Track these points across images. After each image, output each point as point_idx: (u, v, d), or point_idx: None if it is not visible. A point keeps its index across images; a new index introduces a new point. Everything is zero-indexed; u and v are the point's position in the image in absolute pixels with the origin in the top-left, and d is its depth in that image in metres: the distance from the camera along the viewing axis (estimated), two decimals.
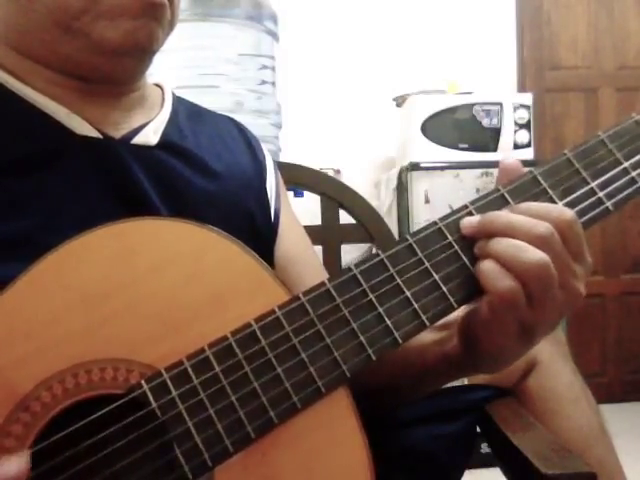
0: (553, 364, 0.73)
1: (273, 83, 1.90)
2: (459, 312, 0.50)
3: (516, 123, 2.25)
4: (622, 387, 2.76)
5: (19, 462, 0.39)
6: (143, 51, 0.57)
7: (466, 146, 2.24)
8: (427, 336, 0.57)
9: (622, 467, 0.72)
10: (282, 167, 0.78)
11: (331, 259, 1.00)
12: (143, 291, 0.45)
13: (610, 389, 2.70)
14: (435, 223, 0.48)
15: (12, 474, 0.38)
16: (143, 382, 0.43)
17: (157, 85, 0.70)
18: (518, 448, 0.58)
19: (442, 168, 2.18)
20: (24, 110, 0.55)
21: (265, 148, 0.75)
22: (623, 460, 0.72)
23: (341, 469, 0.44)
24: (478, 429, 0.73)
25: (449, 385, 0.71)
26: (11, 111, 0.56)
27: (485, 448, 1.61)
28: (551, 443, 0.59)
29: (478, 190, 2.09)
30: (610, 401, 2.55)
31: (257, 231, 0.66)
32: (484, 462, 1.15)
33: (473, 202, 0.49)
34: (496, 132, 2.24)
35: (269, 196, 0.70)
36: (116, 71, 0.58)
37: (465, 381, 0.74)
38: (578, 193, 0.49)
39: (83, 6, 0.52)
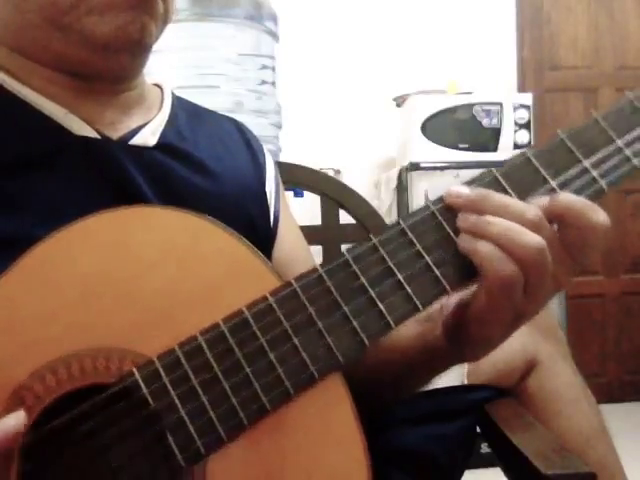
0: (553, 364, 0.73)
1: (273, 83, 1.90)
2: (441, 303, 0.50)
3: (516, 123, 2.25)
4: (622, 387, 2.76)
5: (17, 417, 0.39)
6: (136, 45, 0.56)
7: (466, 146, 2.24)
8: (410, 329, 0.57)
9: (623, 467, 0.72)
10: (282, 167, 0.78)
11: (331, 259, 1.00)
12: (137, 280, 0.45)
13: (610, 389, 2.70)
14: (427, 207, 0.47)
15: (10, 426, 0.39)
16: (135, 370, 0.43)
17: (157, 85, 0.69)
18: (518, 448, 0.58)
19: (442, 168, 2.18)
20: (22, 110, 0.55)
21: (266, 150, 0.74)
22: (623, 460, 0.72)
23: (338, 454, 0.44)
24: (478, 429, 0.73)
25: (449, 385, 0.71)
26: (9, 111, 0.56)
27: (485, 448, 1.60)
28: (551, 443, 0.59)
29: None
30: (610, 401, 2.55)
31: (256, 233, 0.66)
32: (484, 462, 1.15)
33: (466, 184, 0.48)
34: (496, 132, 2.24)
35: (269, 198, 0.70)
36: (111, 67, 0.57)
37: (465, 381, 0.74)
38: (571, 172, 0.48)
39: (73, 1, 0.52)
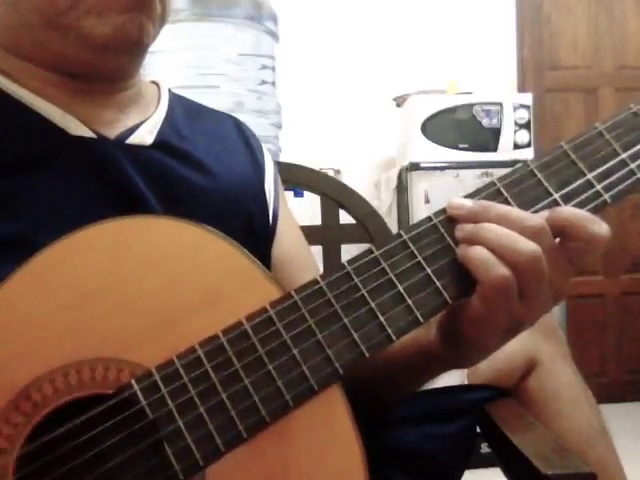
0: (553, 364, 0.72)
1: (273, 83, 1.90)
2: None
3: (516, 123, 2.25)
4: (622, 387, 2.76)
5: None
6: (134, 45, 0.56)
7: (466, 146, 2.24)
8: None
9: (623, 467, 0.72)
10: (282, 167, 0.78)
11: (331, 259, 1.00)
12: (135, 289, 0.45)
13: (610, 389, 2.70)
14: (430, 219, 0.47)
15: None
16: (133, 381, 0.43)
17: (154, 82, 0.69)
18: (518, 448, 0.58)
19: (442, 168, 2.18)
20: (19, 111, 0.55)
21: (265, 148, 0.74)
22: (623, 460, 0.71)
23: (336, 468, 0.44)
24: (478, 429, 0.73)
25: (449, 385, 0.71)
26: (6, 112, 0.56)
27: (485, 448, 1.61)
28: (551, 443, 0.59)
29: None
30: (610, 401, 2.55)
31: (255, 231, 0.66)
32: (484, 462, 1.15)
33: (468, 196, 0.48)
34: (496, 132, 2.24)
35: (268, 196, 0.70)
36: (109, 67, 0.57)
37: (465, 381, 0.74)
38: (575, 185, 0.48)
39: (71, 2, 0.52)
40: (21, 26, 0.55)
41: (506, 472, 0.65)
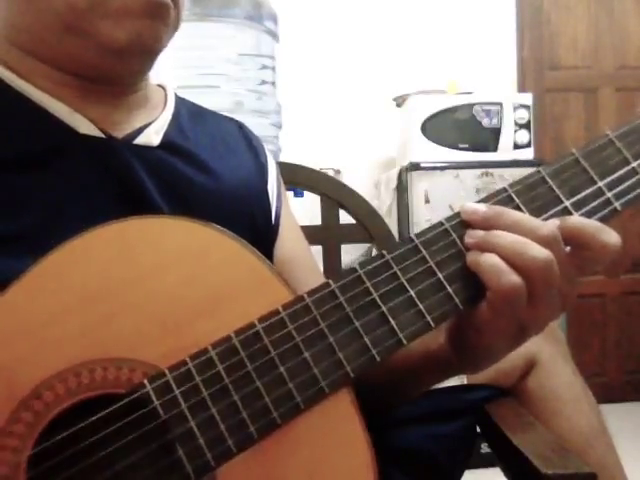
0: (553, 364, 0.73)
1: (273, 83, 1.90)
2: None
3: (516, 123, 2.25)
4: (622, 387, 2.76)
5: None
6: (148, 51, 0.57)
7: (466, 146, 2.24)
8: None
9: (623, 467, 0.72)
10: (282, 167, 0.78)
11: (331, 259, 1.00)
12: (146, 289, 0.45)
13: (610, 389, 2.70)
14: (441, 224, 0.48)
15: None
16: (146, 381, 0.43)
17: (160, 86, 0.70)
18: (518, 448, 0.58)
19: (442, 168, 2.18)
20: (27, 108, 0.56)
21: (267, 149, 0.75)
22: (623, 460, 0.72)
23: (345, 470, 0.44)
24: (478, 429, 0.73)
25: (449, 385, 0.71)
26: (14, 109, 0.56)
27: (485, 448, 1.61)
28: (551, 443, 0.59)
29: (478, 190, 2.09)
30: (610, 401, 2.55)
31: (258, 231, 0.66)
32: (484, 462, 1.15)
33: (480, 202, 0.48)
34: (496, 132, 2.24)
35: (270, 197, 0.70)
36: (119, 70, 0.58)
37: (465, 381, 0.74)
38: (586, 192, 0.48)
39: (89, 6, 0.52)
40: (36, 27, 0.55)
41: (506, 472, 0.65)
